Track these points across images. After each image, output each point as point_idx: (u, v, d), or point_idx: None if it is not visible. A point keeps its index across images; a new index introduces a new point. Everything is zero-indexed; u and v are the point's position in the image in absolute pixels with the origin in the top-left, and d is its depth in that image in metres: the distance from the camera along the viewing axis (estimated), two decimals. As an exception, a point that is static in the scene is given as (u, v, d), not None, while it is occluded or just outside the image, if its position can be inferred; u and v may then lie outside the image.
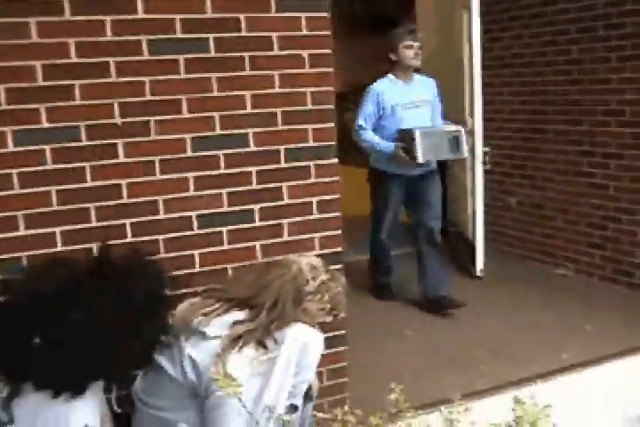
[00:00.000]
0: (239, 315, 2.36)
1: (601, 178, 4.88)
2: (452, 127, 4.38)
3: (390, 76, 4.45)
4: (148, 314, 2.23)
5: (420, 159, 4.18)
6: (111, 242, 2.42)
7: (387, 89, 4.38)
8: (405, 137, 4.23)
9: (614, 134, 4.75)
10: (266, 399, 2.21)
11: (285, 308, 2.35)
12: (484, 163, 4.95)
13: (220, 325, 2.33)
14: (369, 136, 4.37)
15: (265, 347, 2.29)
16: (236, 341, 2.28)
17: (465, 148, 4.36)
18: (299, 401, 2.37)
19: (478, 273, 5.02)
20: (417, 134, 4.15)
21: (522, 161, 5.45)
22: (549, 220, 5.34)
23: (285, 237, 2.84)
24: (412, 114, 4.37)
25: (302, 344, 2.33)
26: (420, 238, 4.50)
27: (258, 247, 2.79)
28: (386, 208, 4.51)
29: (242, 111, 2.68)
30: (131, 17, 2.46)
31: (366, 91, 4.44)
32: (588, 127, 4.93)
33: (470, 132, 4.84)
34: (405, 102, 4.37)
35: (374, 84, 4.44)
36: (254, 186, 2.75)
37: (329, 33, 2.79)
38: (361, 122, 4.38)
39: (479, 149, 4.91)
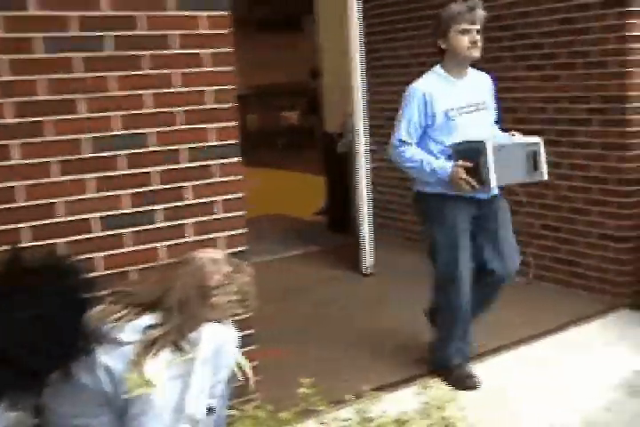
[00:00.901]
0: (151, 319, 2.32)
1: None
2: (529, 139, 3.32)
3: (438, 69, 3.34)
4: (66, 317, 2.16)
5: (494, 183, 3.09)
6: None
7: (436, 88, 3.27)
8: (469, 153, 3.14)
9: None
10: (188, 404, 2.19)
11: (192, 306, 2.32)
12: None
13: (133, 330, 2.28)
14: (416, 154, 3.24)
15: (181, 349, 2.27)
16: (150, 346, 2.24)
17: (545, 166, 3.26)
18: (216, 402, 2.36)
19: (366, 270, 5.17)
20: (489, 148, 3.07)
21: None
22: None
23: (190, 238, 2.81)
24: (469, 121, 3.30)
25: (217, 345, 2.32)
26: (486, 286, 3.43)
27: (161, 248, 2.75)
28: (457, 247, 3.29)
29: (142, 111, 2.64)
30: (23, 13, 2.38)
31: (407, 92, 3.31)
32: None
33: (352, 130, 5.05)
34: (461, 105, 3.29)
35: (417, 81, 3.33)
36: (156, 186, 2.71)
37: (229, 31, 2.78)
38: (403, 135, 3.25)
39: (361, 147, 5.08)
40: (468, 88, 3.34)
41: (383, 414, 1.78)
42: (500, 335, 3.91)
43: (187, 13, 2.68)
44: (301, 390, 1.74)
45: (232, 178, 2.87)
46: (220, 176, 2.84)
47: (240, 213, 2.92)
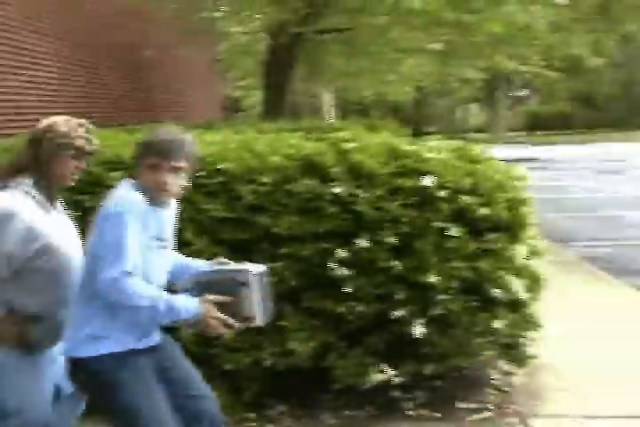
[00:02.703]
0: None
1: None
2: (258, 266, 2.68)
3: (137, 189, 2.52)
4: None
5: (260, 319, 2.56)
6: None
7: (147, 210, 2.50)
8: (225, 285, 2.52)
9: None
10: None
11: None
12: None
13: None
14: (145, 288, 2.42)
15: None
16: None
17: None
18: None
19: None
20: (251, 278, 2.54)
21: None
22: None
23: None
24: (159, 257, 2.59)
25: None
26: None
27: None
28: (163, 411, 2.49)
29: None
30: None
31: (120, 210, 2.42)
32: None
33: None
34: (160, 237, 2.58)
35: (128, 196, 2.47)
36: None
37: None
38: (129, 265, 2.38)
39: None
40: (165, 219, 2.66)
41: None
42: None
43: None
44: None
45: None
46: None
47: None
